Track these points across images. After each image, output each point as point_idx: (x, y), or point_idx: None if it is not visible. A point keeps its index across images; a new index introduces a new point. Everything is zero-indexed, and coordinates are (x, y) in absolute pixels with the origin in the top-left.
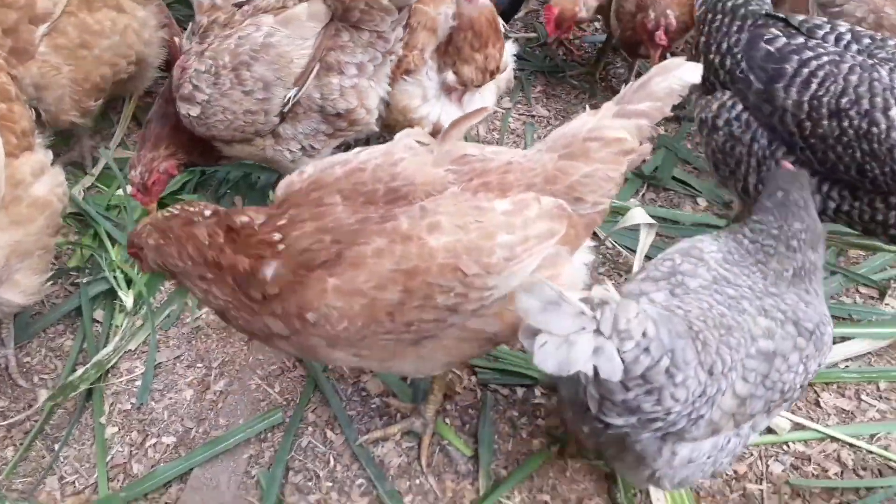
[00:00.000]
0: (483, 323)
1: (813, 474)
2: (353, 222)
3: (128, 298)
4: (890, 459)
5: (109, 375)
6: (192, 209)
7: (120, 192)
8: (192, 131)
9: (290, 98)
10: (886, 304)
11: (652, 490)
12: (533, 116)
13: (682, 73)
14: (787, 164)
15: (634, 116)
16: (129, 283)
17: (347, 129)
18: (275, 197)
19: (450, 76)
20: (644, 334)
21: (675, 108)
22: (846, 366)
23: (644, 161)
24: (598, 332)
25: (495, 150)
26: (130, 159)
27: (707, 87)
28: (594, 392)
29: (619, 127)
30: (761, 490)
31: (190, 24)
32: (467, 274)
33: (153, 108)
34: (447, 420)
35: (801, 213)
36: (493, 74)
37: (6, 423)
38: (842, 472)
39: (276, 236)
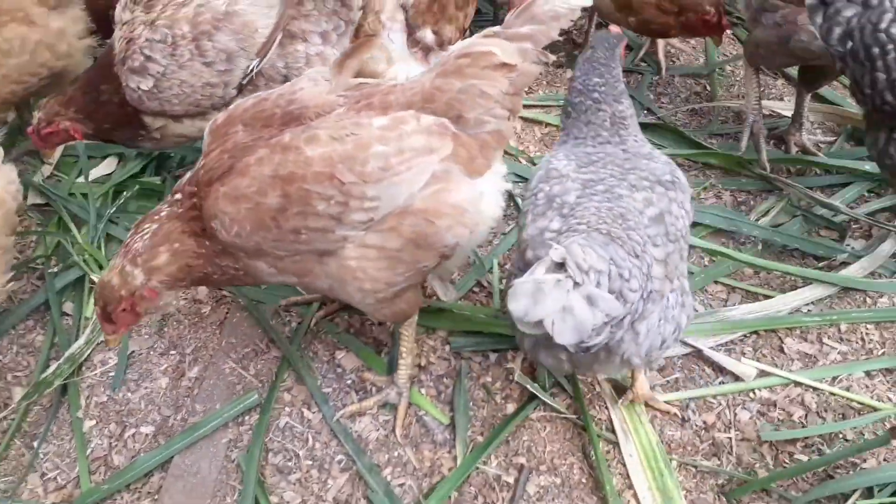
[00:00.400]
0: (382, 239)
1: (779, 419)
2: (247, 141)
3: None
4: (852, 400)
5: (83, 368)
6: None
7: (80, 179)
8: (137, 107)
9: (252, 69)
10: (847, 245)
11: (623, 444)
12: None
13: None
14: (614, 28)
15: (517, 39)
16: (100, 266)
17: None
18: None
19: (429, 35)
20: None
21: (644, 59)
22: (808, 310)
23: None
24: (576, 285)
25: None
26: (40, 101)
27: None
28: None
29: (489, 43)
30: (730, 438)
31: None
32: (343, 182)
33: (85, 70)
34: (423, 390)
35: (600, 69)
36: (463, 33)
37: None
38: (806, 416)
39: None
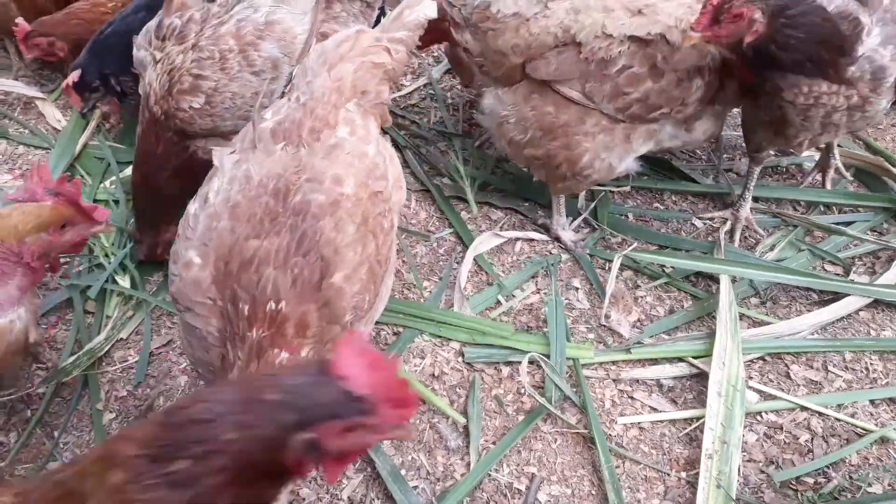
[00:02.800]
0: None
1: (785, 442)
2: (291, 240)
3: (124, 282)
4: (857, 426)
5: (104, 364)
6: None
7: (107, 184)
8: (186, 129)
9: (294, 74)
10: (851, 280)
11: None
12: None
13: (424, 9)
14: None
15: (393, 41)
16: (124, 268)
17: None
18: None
19: None
20: None
21: None
22: (814, 336)
23: None
24: None
25: (281, 108)
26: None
27: None
28: None
29: (356, 28)
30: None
31: (151, 31)
32: (382, 191)
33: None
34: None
35: None
36: None
37: (6, 410)
38: (812, 440)
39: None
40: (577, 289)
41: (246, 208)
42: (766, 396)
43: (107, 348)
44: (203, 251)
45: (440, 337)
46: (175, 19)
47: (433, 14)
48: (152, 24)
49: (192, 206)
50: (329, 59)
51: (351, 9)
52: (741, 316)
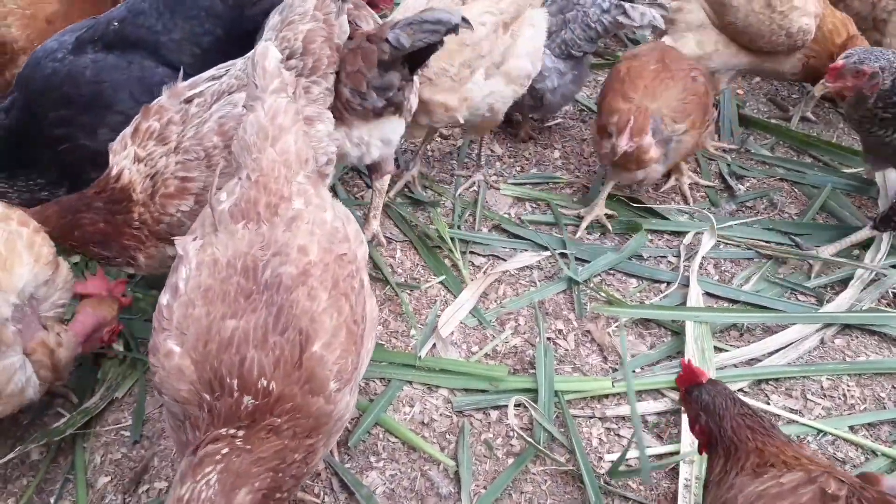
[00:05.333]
0: None
1: None
2: (268, 315)
3: (118, 346)
4: (836, 454)
5: (98, 427)
6: None
7: None
8: (173, 232)
9: None
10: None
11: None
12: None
13: (274, 53)
14: None
15: (277, 92)
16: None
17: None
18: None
19: None
20: None
21: None
22: (788, 364)
23: None
24: None
25: (233, 188)
26: None
27: None
28: None
29: (277, 101)
30: None
31: (127, 137)
32: (346, 253)
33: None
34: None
35: None
36: None
37: (2, 476)
38: None
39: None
40: (560, 330)
41: (219, 290)
42: None
43: (102, 407)
44: (182, 339)
45: (428, 385)
46: (153, 122)
47: (280, 54)
48: (128, 130)
49: (164, 298)
50: (270, 133)
51: (323, 91)
52: (718, 350)
